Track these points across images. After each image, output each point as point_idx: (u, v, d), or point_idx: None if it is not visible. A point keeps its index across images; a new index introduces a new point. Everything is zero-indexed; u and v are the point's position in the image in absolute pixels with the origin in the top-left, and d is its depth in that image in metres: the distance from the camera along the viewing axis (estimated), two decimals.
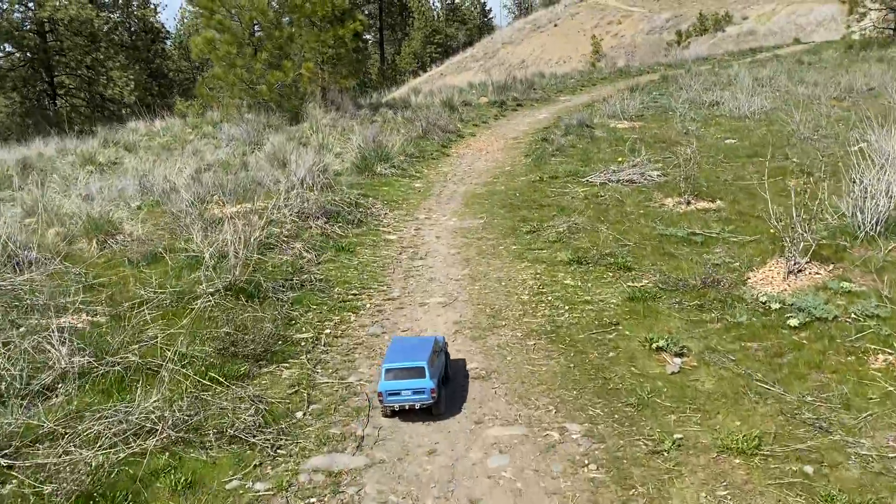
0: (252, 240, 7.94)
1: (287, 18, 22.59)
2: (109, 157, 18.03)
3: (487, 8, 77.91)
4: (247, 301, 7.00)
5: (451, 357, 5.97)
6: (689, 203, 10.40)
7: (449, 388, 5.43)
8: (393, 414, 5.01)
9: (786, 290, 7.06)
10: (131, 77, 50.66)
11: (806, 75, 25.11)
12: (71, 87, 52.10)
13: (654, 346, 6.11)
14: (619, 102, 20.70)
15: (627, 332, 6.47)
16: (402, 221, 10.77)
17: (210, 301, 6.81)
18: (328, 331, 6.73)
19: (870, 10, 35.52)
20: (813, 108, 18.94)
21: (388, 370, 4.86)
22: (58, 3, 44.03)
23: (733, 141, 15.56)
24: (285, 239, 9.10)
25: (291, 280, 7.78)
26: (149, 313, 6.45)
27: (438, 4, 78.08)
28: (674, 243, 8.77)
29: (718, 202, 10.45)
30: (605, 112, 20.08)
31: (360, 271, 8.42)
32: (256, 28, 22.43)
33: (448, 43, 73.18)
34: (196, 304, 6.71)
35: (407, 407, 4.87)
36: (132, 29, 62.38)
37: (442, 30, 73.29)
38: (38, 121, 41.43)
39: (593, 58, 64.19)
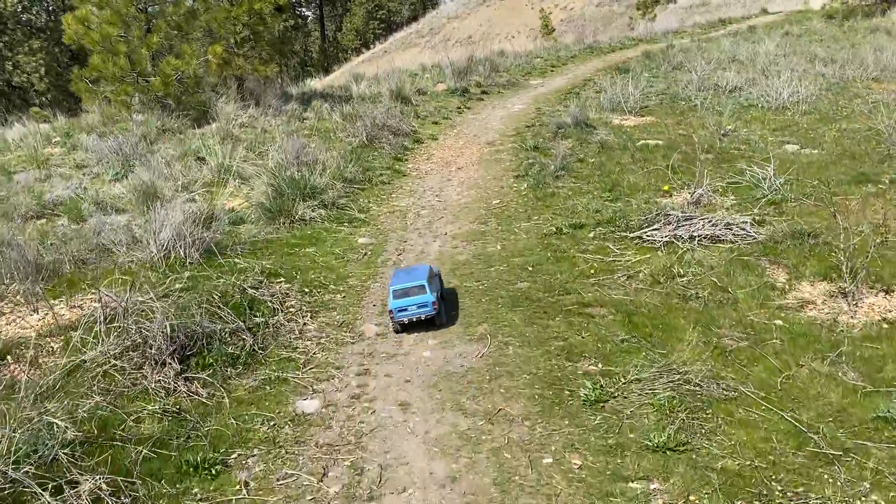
0: None
1: None
2: None
3: None
4: None
5: None
6: (855, 302, 5.48)
7: None
8: (403, 328, 5.50)
9: None
10: (41, 62, 43.32)
11: (812, 49, 20.46)
12: None
13: None
14: (611, 89, 15.69)
15: None
16: (333, 349, 5.54)
17: None
18: None
19: None
20: (863, 95, 14.26)
21: (395, 290, 5.39)
22: None
23: (798, 147, 10.73)
24: None
25: None
26: None
27: None
28: None
29: None
30: (598, 103, 15.03)
31: None
32: (149, 3, 16.56)
33: (392, 18, 66.92)
34: None
35: (415, 319, 5.39)
36: (50, 8, 54.54)
37: (385, 4, 66.96)
38: None
39: (543, 32, 58.94)
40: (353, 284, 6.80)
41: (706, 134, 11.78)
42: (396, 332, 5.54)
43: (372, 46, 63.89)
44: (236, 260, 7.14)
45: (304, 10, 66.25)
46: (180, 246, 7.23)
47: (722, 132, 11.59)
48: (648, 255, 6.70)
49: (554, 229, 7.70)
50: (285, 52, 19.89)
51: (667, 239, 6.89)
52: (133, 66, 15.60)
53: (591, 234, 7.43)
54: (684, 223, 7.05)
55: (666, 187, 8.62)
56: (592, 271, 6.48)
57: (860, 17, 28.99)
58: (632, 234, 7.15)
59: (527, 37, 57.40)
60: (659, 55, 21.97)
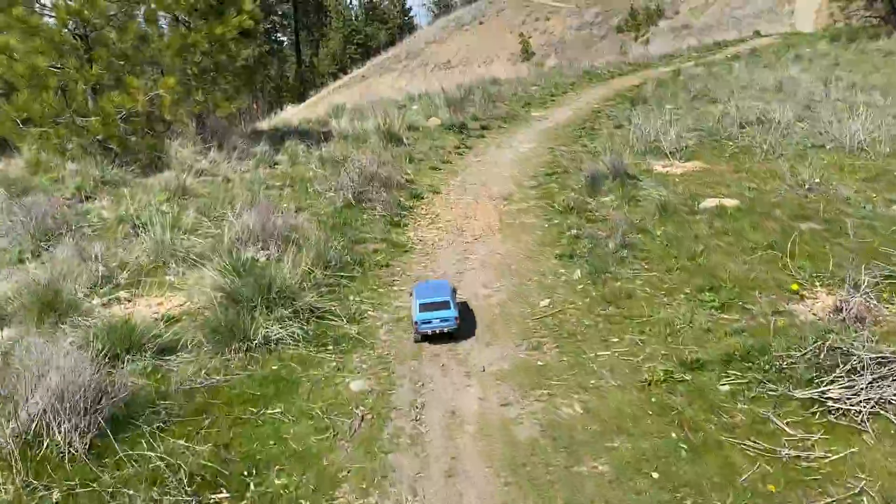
0: None
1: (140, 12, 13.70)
2: None
3: (407, 6, 69.32)
4: None
5: None
6: None
7: None
8: (424, 338, 5.59)
9: None
10: None
11: (840, 75, 17.97)
12: None
13: None
14: (634, 124, 12.98)
15: None
16: None
17: None
18: None
19: None
20: None
21: (422, 304, 5.54)
22: None
23: None
24: None
25: None
26: None
27: (356, 3, 68.97)
28: None
29: None
30: (624, 142, 12.25)
31: None
32: (89, 31, 13.48)
33: (368, 43, 64.22)
34: None
35: (438, 332, 5.50)
36: None
37: (361, 30, 64.23)
38: None
39: (523, 56, 56.70)
40: (349, 502, 3.82)
41: (783, 188, 9.02)
42: (417, 341, 5.64)
43: (349, 71, 61.16)
44: (150, 446, 4.13)
45: (279, 35, 63.33)
46: (60, 423, 4.22)
47: (807, 186, 8.83)
48: (854, 447, 3.82)
49: (660, 372, 4.78)
50: (254, 84, 16.87)
51: (870, 406, 4.02)
52: (68, 103, 12.50)
53: (725, 387, 4.53)
54: (881, 370, 4.19)
55: (795, 286, 5.79)
56: (771, 487, 3.57)
57: (865, 39, 26.80)
58: (799, 393, 4.25)
59: (507, 61, 55.09)
60: (669, 82, 19.36)
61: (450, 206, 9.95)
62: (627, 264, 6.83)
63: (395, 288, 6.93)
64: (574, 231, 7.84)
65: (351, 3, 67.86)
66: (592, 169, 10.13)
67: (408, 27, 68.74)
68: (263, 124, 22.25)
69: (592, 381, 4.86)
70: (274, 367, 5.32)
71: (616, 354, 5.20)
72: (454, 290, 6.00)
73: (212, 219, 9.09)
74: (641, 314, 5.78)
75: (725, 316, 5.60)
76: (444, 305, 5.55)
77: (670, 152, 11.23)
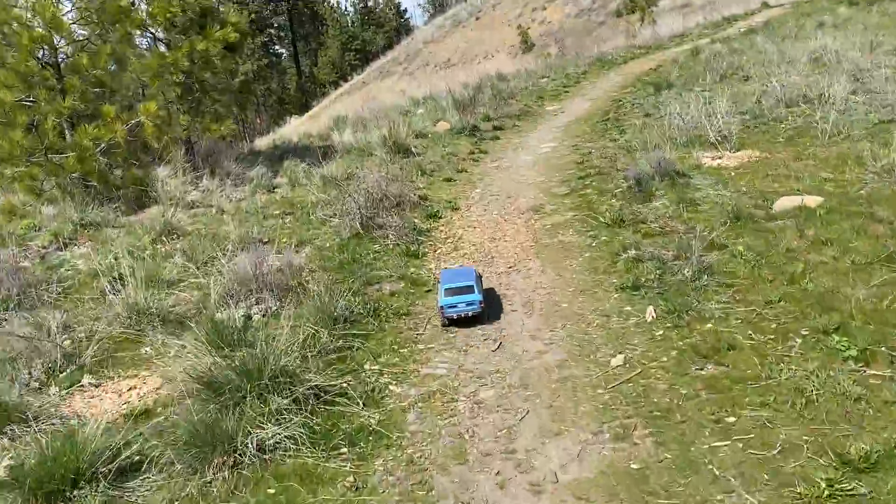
0: None
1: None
2: None
3: (403, 8, 67.75)
4: None
5: None
6: None
7: None
8: (450, 322, 5.57)
9: None
10: None
11: (876, 39, 16.21)
12: None
13: None
14: (670, 112, 11.40)
15: None
16: None
17: None
18: None
19: None
20: None
21: (447, 289, 5.56)
22: None
23: None
24: None
25: None
26: None
27: (351, 10, 67.46)
28: None
29: None
30: (661, 133, 10.65)
31: None
32: (62, 57, 12.07)
33: (367, 48, 62.72)
34: None
35: (463, 315, 5.50)
36: None
37: (358, 35, 62.69)
38: None
39: (523, 48, 55.08)
40: None
41: (868, 177, 7.42)
42: (444, 325, 5.61)
43: (350, 78, 59.67)
44: None
45: (277, 47, 61.92)
46: None
47: None
48: None
49: (819, 480, 3.24)
50: (247, 103, 15.39)
51: None
52: (41, 140, 11.09)
53: None
54: None
55: None
56: None
57: (886, 0, 24.87)
58: None
59: (507, 54, 53.42)
60: (689, 63, 17.68)
61: (472, 226, 8.44)
62: (712, 295, 5.28)
63: (419, 346, 5.42)
64: (632, 252, 6.28)
65: (346, 9, 66.39)
66: (634, 169, 8.56)
67: (405, 29, 67.14)
68: (263, 141, 20.85)
69: (720, 498, 3.32)
70: (270, 491, 3.83)
71: (740, 446, 3.66)
72: (479, 276, 6.02)
73: (200, 265, 7.62)
74: (755, 374, 4.23)
75: (875, 372, 4.05)
76: (468, 290, 5.55)
77: (717, 141, 9.63)
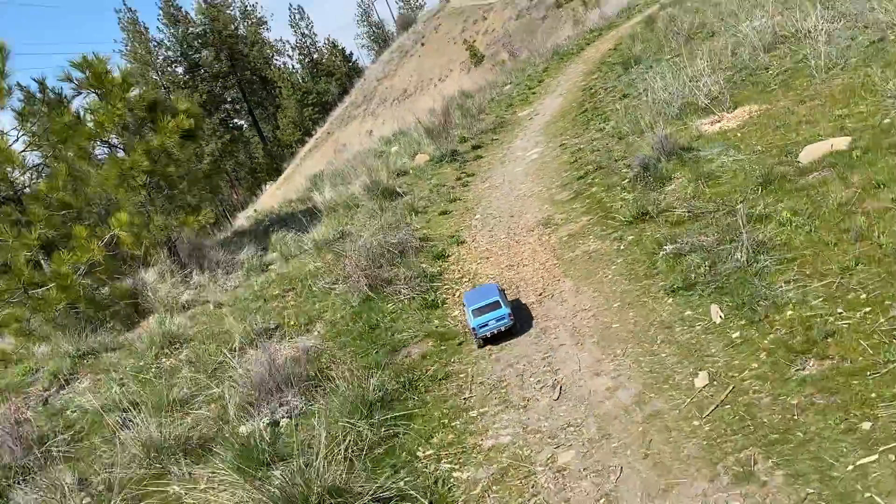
0: None
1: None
2: None
3: (349, 53, 67.80)
4: None
5: None
6: None
7: None
8: (485, 342, 5.53)
9: None
10: None
11: None
12: None
13: None
14: (651, 87, 10.87)
15: None
16: None
17: None
18: None
19: None
20: None
21: (474, 310, 5.51)
22: None
23: None
24: None
25: None
26: None
27: (299, 66, 67.49)
28: None
29: None
30: (650, 109, 10.09)
31: None
32: (20, 188, 11.53)
33: (323, 100, 62.63)
34: None
35: (495, 332, 5.45)
36: None
37: (311, 89, 62.61)
38: None
39: (473, 61, 55.04)
40: None
41: (887, 103, 6.83)
42: (480, 346, 5.57)
43: (314, 132, 59.48)
44: None
45: (236, 120, 61.77)
46: None
47: None
48: None
49: None
50: (216, 188, 14.84)
51: None
52: (17, 277, 10.49)
53: None
54: None
55: None
56: None
57: None
58: None
59: (461, 71, 53.30)
60: (649, 34, 17.22)
61: (484, 257, 7.82)
62: (777, 276, 4.65)
63: (472, 413, 4.77)
64: (668, 247, 5.65)
65: (293, 67, 66.42)
66: (638, 155, 7.98)
67: (355, 72, 67.13)
68: (244, 217, 20.30)
69: None
70: None
71: (892, 458, 3.01)
72: (503, 290, 5.98)
73: (210, 373, 6.98)
74: (869, 361, 3.59)
75: None
76: (495, 306, 5.52)
77: (709, 105, 9.07)
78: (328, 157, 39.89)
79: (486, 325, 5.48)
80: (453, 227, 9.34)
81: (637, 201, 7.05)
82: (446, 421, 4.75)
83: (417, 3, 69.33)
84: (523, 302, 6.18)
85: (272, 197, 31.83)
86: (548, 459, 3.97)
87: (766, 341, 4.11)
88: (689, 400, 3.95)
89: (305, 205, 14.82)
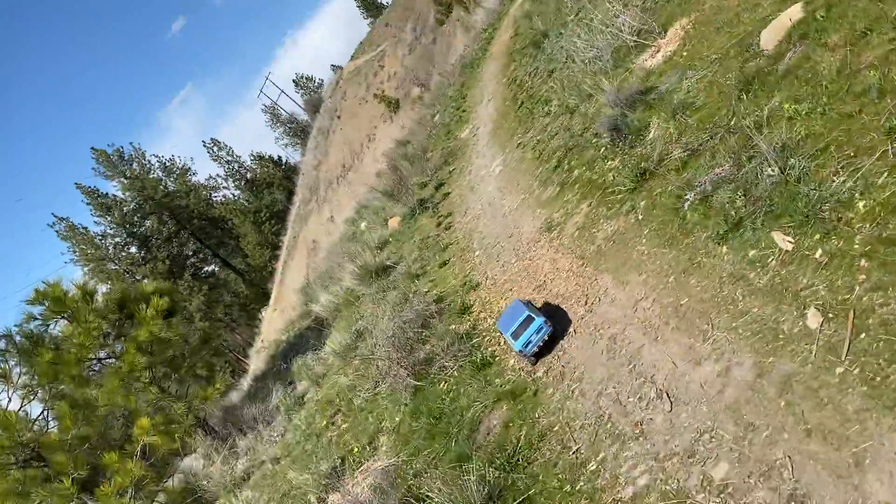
0: None
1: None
2: None
3: (277, 157, 68.07)
4: None
5: None
6: None
7: None
8: (537, 357, 5.46)
9: None
10: None
11: None
12: None
13: None
14: (564, 56, 10.55)
15: None
16: None
17: None
18: None
19: None
20: None
21: (512, 334, 5.52)
22: None
23: None
24: None
25: None
26: None
27: (238, 192, 67.59)
28: None
29: None
30: (586, 74, 9.71)
31: None
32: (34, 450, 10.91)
33: (275, 209, 62.61)
34: None
35: (541, 344, 5.38)
36: None
37: (259, 207, 62.64)
38: None
39: (390, 109, 55.25)
40: None
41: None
42: (534, 364, 5.45)
43: (281, 244, 59.18)
44: None
45: (206, 267, 61.45)
46: None
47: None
48: None
49: None
50: (218, 348, 14.32)
51: None
52: None
53: None
54: None
55: None
56: None
57: None
58: None
59: (384, 125, 53.45)
60: (540, 6, 17.03)
61: (508, 290, 7.30)
62: (821, 173, 4.15)
63: (591, 466, 4.19)
64: (690, 195, 5.16)
65: (234, 196, 66.50)
66: (600, 121, 7.54)
67: (291, 171, 67.25)
68: (255, 355, 19.72)
69: None
70: None
71: None
72: (528, 302, 5.97)
73: None
74: None
75: None
76: (528, 321, 5.50)
77: (640, 40, 8.69)
78: (305, 260, 39.52)
79: (529, 342, 5.46)
80: (460, 274, 8.83)
81: (627, 164, 6.59)
82: (569, 488, 4.17)
83: (316, 84, 69.89)
84: (570, 317, 5.66)
85: (272, 322, 31.26)
86: (702, 482, 3.40)
87: (856, 246, 3.60)
88: (814, 347, 3.42)
89: (308, 319, 14.28)
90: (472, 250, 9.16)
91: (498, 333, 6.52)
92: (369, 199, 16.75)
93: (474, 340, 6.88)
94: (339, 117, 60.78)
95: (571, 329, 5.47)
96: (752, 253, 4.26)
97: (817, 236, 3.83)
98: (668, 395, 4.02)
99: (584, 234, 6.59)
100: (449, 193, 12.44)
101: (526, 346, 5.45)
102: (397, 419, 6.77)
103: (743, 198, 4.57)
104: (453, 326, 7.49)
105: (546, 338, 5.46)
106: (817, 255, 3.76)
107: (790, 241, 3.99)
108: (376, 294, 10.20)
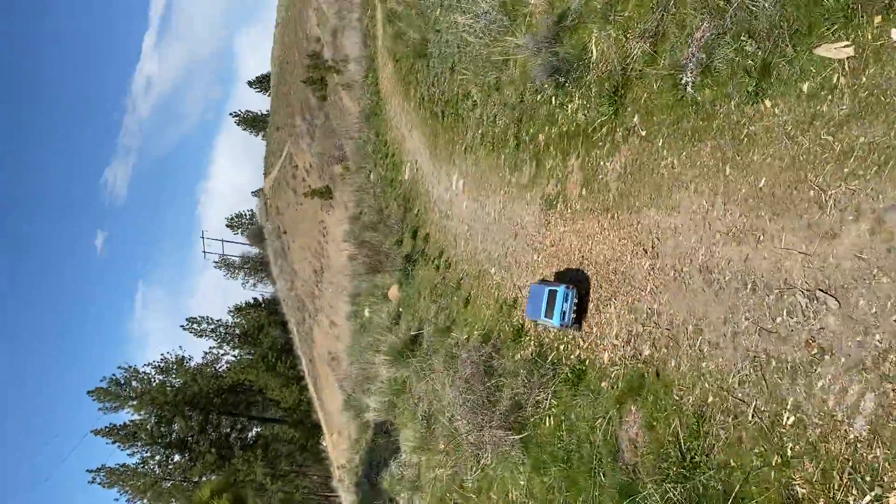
0: None
1: None
2: None
3: (252, 300, 67.06)
4: None
5: None
6: None
7: None
8: (575, 323, 5.43)
9: None
10: None
11: None
12: None
13: None
14: (454, 49, 9.89)
15: None
16: None
17: None
18: None
19: None
20: None
21: (545, 312, 5.52)
22: None
23: None
24: None
25: None
26: None
27: (238, 351, 66.34)
28: None
29: None
30: (485, 48, 9.00)
31: None
32: None
33: (279, 346, 61.40)
34: None
35: (575, 312, 5.37)
36: None
37: (265, 351, 61.41)
38: None
39: (327, 197, 54.83)
40: None
41: None
42: (579, 329, 5.34)
43: (302, 373, 57.86)
44: None
45: (249, 433, 59.93)
46: None
47: None
48: None
49: None
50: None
51: None
52: None
53: None
54: None
55: None
56: None
57: None
58: None
59: (328, 214, 52.84)
60: (401, 24, 16.49)
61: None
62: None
63: (787, 420, 3.27)
64: (685, 76, 4.34)
65: (234, 356, 65.14)
66: (535, 73, 6.75)
67: (273, 304, 66.22)
68: (341, 488, 18.59)
69: None
70: None
71: None
72: (544, 279, 5.92)
73: None
74: None
75: None
76: (552, 296, 5.41)
77: None
78: (332, 377, 38.36)
79: (563, 313, 5.42)
80: (489, 301, 7.94)
81: (590, 94, 5.78)
82: (778, 458, 3.23)
83: (248, 216, 69.46)
84: (639, 276, 4.78)
85: (337, 446, 30.00)
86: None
87: None
88: None
89: (369, 430, 13.24)
90: (488, 272, 8.28)
91: (594, 338, 5.62)
92: (357, 286, 15.87)
93: (550, 356, 5.95)
94: (285, 233, 60.10)
95: (648, 286, 4.57)
96: (806, 86, 3.42)
97: (878, 19, 3.00)
98: (822, 290, 3.12)
99: (592, 186, 5.75)
100: (428, 235, 11.60)
101: (564, 318, 5.40)
102: (522, 483, 5.79)
103: (750, 40, 3.75)
104: (518, 356, 6.57)
105: (576, 300, 5.41)
106: (894, 36, 2.92)
107: (846, 46, 3.16)
108: (420, 369, 9.25)
